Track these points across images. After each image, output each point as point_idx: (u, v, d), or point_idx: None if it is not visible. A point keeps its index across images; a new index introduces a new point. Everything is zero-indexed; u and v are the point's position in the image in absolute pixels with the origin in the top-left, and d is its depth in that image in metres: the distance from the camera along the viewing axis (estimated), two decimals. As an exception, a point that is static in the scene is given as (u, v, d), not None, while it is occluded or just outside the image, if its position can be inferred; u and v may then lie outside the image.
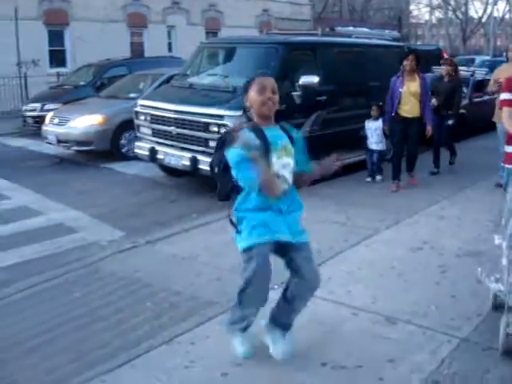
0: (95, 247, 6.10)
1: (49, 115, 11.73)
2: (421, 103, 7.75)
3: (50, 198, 8.12)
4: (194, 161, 7.70)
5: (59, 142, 11.00)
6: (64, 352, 3.80)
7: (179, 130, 7.96)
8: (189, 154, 7.80)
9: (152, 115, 8.46)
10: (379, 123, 8.32)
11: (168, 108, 8.15)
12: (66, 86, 15.32)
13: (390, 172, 8.08)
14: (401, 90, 7.72)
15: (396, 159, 8.08)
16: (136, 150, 8.95)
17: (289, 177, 3.28)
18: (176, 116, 7.98)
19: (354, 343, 3.79)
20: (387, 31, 16.95)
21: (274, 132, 3.26)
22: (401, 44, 11.17)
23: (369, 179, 8.48)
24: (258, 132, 3.17)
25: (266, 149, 3.13)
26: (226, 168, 3.24)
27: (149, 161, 8.81)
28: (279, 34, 11.26)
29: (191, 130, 7.78)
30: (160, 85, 11.27)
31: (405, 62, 7.70)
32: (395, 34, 16.88)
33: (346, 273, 5.01)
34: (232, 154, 3.12)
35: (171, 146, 8.20)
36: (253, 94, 3.21)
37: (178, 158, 8.02)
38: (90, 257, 5.64)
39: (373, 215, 6.67)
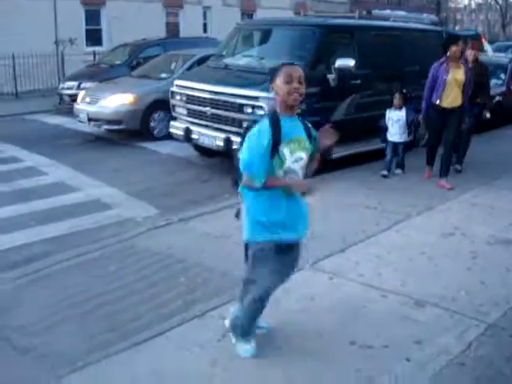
0: (130, 223, 6.26)
1: (81, 94, 11.89)
2: (463, 92, 7.24)
3: (87, 174, 8.31)
4: (228, 141, 7.79)
5: (90, 120, 11.11)
6: (100, 322, 3.95)
7: (214, 111, 8.05)
8: (223, 135, 7.89)
9: (188, 95, 8.56)
10: (402, 113, 7.81)
11: (203, 88, 8.24)
12: (102, 65, 15.49)
13: (425, 159, 7.75)
14: (445, 77, 7.15)
15: (431, 147, 7.70)
16: (171, 130, 9.07)
17: (299, 171, 3.27)
18: (211, 96, 8.06)
19: (382, 324, 3.87)
20: (425, 15, 16.65)
21: (291, 123, 3.23)
22: (439, 28, 10.99)
23: (385, 172, 7.85)
24: (275, 122, 3.15)
25: (277, 140, 3.12)
26: None
27: (183, 140, 8.92)
28: (316, 17, 11.22)
29: (226, 110, 7.86)
30: (191, 66, 11.38)
31: (453, 48, 7.07)
32: (433, 17, 16.58)
33: (377, 256, 5.07)
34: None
35: (206, 126, 8.29)
36: (279, 83, 3.16)
37: (212, 138, 8.12)
38: (125, 233, 5.80)
39: (404, 201, 6.68)
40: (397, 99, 7.82)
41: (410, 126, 7.96)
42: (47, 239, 5.83)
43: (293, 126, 3.22)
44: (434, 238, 5.52)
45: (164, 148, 10.16)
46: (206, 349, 3.57)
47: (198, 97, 8.32)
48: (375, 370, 3.35)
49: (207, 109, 8.16)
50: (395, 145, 7.92)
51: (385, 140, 8.02)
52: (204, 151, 9.07)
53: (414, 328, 3.81)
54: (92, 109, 11.07)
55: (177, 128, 8.88)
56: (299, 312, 4.03)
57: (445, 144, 7.50)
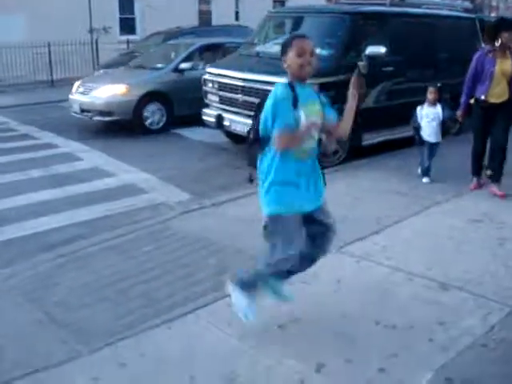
0: (163, 207, 6.45)
1: (76, 84, 11.65)
2: (510, 85, 6.34)
3: (121, 160, 8.53)
4: (259, 128, 7.90)
5: (82, 111, 10.89)
6: (134, 300, 4.13)
7: (246, 98, 8.17)
8: (254, 122, 8.00)
9: (220, 83, 8.70)
10: (438, 109, 6.94)
11: (235, 76, 8.36)
12: (135, 53, 15.71)
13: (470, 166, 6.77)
14: (493, 69, 6.25)
15: (477, 152, 6.68)
16: (203, 117, 9.21)
17: (315, 135, 3.36)
18: (243, 84, 8.18)
19: (407, 306, 3.96)
20: (459, 1, 16.48)
21: (304, 90, 3.30)
22: (472, 15, 10.89)
23: (426, 179, 7.02)
24: (290, 87, 3.22)
25: (294, 102, 3.19)
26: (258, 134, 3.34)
27: (215, 127, 9.06)
28: (347, 4, 11.20)
29: (257, 97, 7.95)
30: (189, 55, 11.41)
31: (505, 35, 6.11)
32: (467, 4, 16.38)
33: (405, 240, 5.14)
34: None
35: (237, 113, 8.42)
36: (292, 56, 3.20)
37: (244, 125, 8.23)
38: (160, 216, 5.98)
39: (435, 187, 6.72)
40: (432, 94, 6.93)
41: (444, 124, 7.07)
42: (83, 222, 6.04)
43: (305, 91, 3.30)
44: (462, 223, 5.57)
45: (196, 135, 10.32)
46: (234, 326, 3.70)
47: (230, 84, 8.45)
48: (399, 348, 3.45)
49: (239, 96, 8.28)
50: (431, 146, 7.01)
51: (422, 142, 7.06)
52: (235, 138, 9.20)
53: (438, 310, 3.89)
54: (84, 99, 10.87)
55: (209, 115, 9.03)
56: (325, 294, 4.14)
57: (495, 144, 6.53)
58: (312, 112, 3.29)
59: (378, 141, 8.47)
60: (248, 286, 3.56)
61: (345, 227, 5.09)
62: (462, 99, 6.62)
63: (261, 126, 3.27)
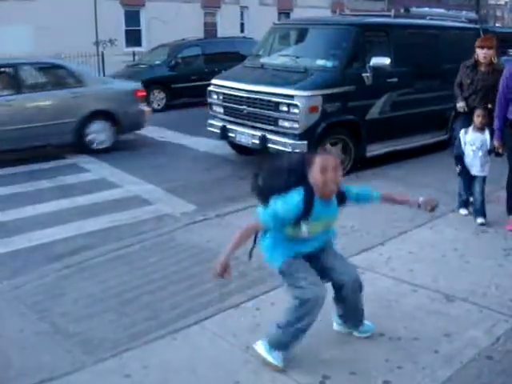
0: (168, 219, 6.47)
1: None
2: None
3: (127, 171, 8.56)
4: (264, 139, 7.94)
5: None
6: (139, 311, 4.15)
7: (250, 109, 8.20)
8: (259, 133, 8.05)
9: (224, 94, 8.74)
10: (486, 136, 5.80)
11: (240, 87, 8.40)
12: (141, 65, 15.83)
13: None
14: None
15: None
16: (208, 128, 9.25)
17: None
18: (247, 95, 8.22)
19: (411, 317, 3.96)
20: (464, 12, 16.58)
21: (325, 207, 3.24)
22: (476, 26, 10.92)
23: (465, 211, 6.17)
24: (308, 200, 3.17)
25: (303, 217, 3.17)
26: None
27: (220, 138, 9.10)
28: (352, 15, 11.28)
29: (262, 109, 8.01)
30: None
31: None
32: (472, 15, 16.50)
33: (409, 252, 5.14)
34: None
35: (242, 124, 8.46)
36: (316, 172, 3.14)
37: (248, 136, 8.28)
38: (165, 227, 6.01)
39: (440, 198, 6.57)
40: (479, 118, 5.80)
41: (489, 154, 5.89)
42: (89, 233, 6.07)
43: (325, 209, 3.25)
44: (467, 234, 5.57)
45: (201, 146, 10.35)
46: (239, 337, 3.71)
47: (235, 95, 8.49)
48: (404, 360, 3.45)
49: (243, 107, 8.32)
50: (473, 179, 5.98)
51: (467, 172, 5.99)
52: (240, 149, 9.24)
53: (443, 322, 3.88)
54: None
55: (213, 126, 9.06)
56: (330, 305, 4.13)
57: None
58: (319, 226, 3.29)
59: (383, 152, 8.48)
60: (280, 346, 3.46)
61: (349, 238, 5.14)
62: (496, 125, 5.63)
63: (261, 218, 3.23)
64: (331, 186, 3.16)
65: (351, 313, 3.64)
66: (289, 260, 3.35)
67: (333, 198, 3.29)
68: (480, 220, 5.85)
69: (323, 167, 3.11)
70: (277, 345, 3.40)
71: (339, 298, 3.57)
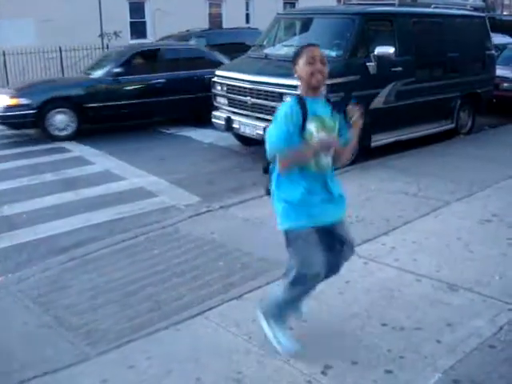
0: (173, 210, 6.48)
1: None
2: None
3: (131, 163, 8.57)
4: (268, 130, 7.92)
5: None
6: (143, 302, 4.16)
7: (254, 100, 8.18)
8: (263, 124, 8.01)
9: (228, 85, 8.72)
10: None
11: (244, 78, 8.38)
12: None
13: None
14: None
15: None
16: (212, 120, 9.24)
17: (331, 151, 3.26)
18: (251, 86, 8.20)
19: (414, 307, 3.95)
20: (471, 0, 16.44)
21: (317, 104, 3.20)
22: (482, 14, 10.85)
23: None
24: (299, 103, 3.15)
25: (303, 119, 3.12)
26: None
27: (224, 130, 9.08)
28: (356, 5, 11.20)
29: (266, 99, 7.98)
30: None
31: None
32: (479, 3, 16.37)
33: (413, 242, 5.13)
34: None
35: (246, 115, 8.44)
36: (302, 65, 3.17)
37: (253, 127, 8.26)
38: (169, 219, 6.02)
39: (444, 187, 6.70)
40: None
41: None
42: (94, 225, 6.09)
43: (316, 105, 3.20)
44: (471, 224, 5.55)
45: (206, 137, 10.35)
46: (242, 328, 3.72)
47: (239, 87, 8.46)
48: (406, 350, 3.45)
49: (247, 98, 8.30)
50: None
51: None
52: (245, 140, 9.22)
53: (446, 311, 3.88)
54: None
55: (218, 118, 9.05)
56: (333, 295, 4.14)
57: None
58: (322, 127, 3.17)
59: (388, 142, 8.45)
60: (273, 316, 3.48)
61: (353, 228, 5.06)
62: None
63: (267, 146, 3.18)
64: (317, 76, 3.14)
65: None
66: (299, 231, 3.23)
67: (323, 98, 3.27)
68: None
69: (310, 58, 3.15)
70: (272, 315, 3.47)
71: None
